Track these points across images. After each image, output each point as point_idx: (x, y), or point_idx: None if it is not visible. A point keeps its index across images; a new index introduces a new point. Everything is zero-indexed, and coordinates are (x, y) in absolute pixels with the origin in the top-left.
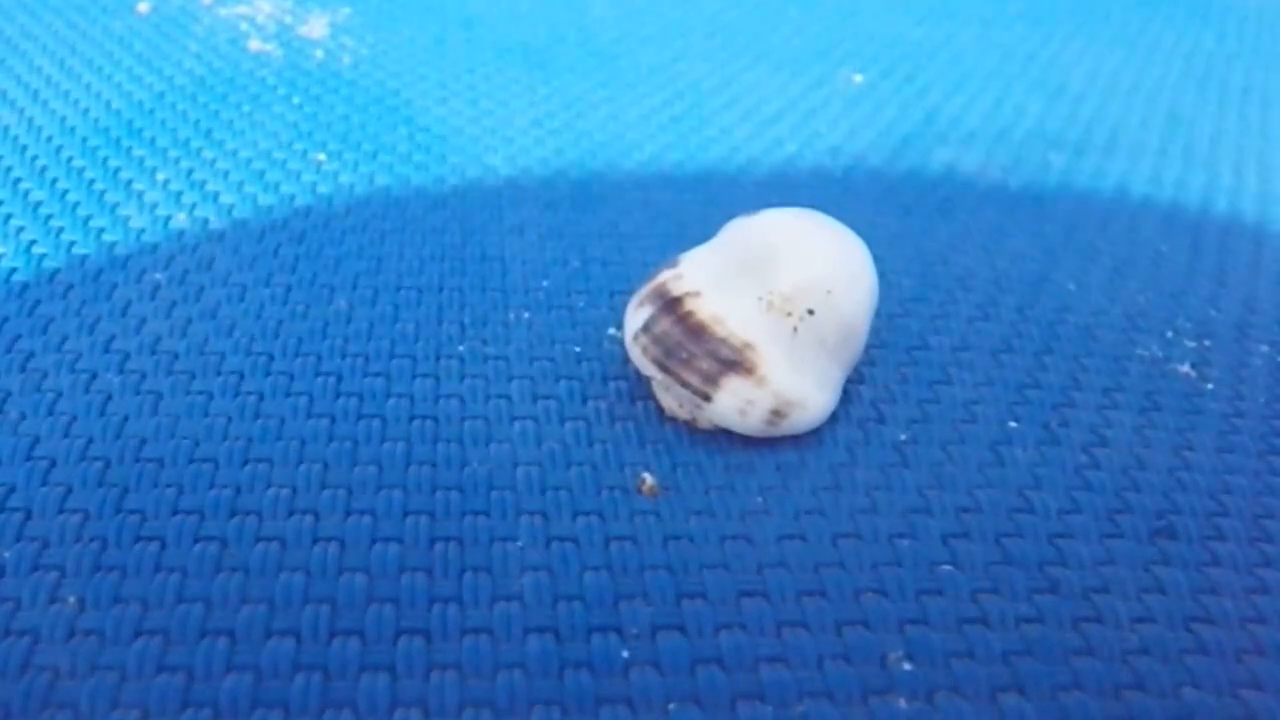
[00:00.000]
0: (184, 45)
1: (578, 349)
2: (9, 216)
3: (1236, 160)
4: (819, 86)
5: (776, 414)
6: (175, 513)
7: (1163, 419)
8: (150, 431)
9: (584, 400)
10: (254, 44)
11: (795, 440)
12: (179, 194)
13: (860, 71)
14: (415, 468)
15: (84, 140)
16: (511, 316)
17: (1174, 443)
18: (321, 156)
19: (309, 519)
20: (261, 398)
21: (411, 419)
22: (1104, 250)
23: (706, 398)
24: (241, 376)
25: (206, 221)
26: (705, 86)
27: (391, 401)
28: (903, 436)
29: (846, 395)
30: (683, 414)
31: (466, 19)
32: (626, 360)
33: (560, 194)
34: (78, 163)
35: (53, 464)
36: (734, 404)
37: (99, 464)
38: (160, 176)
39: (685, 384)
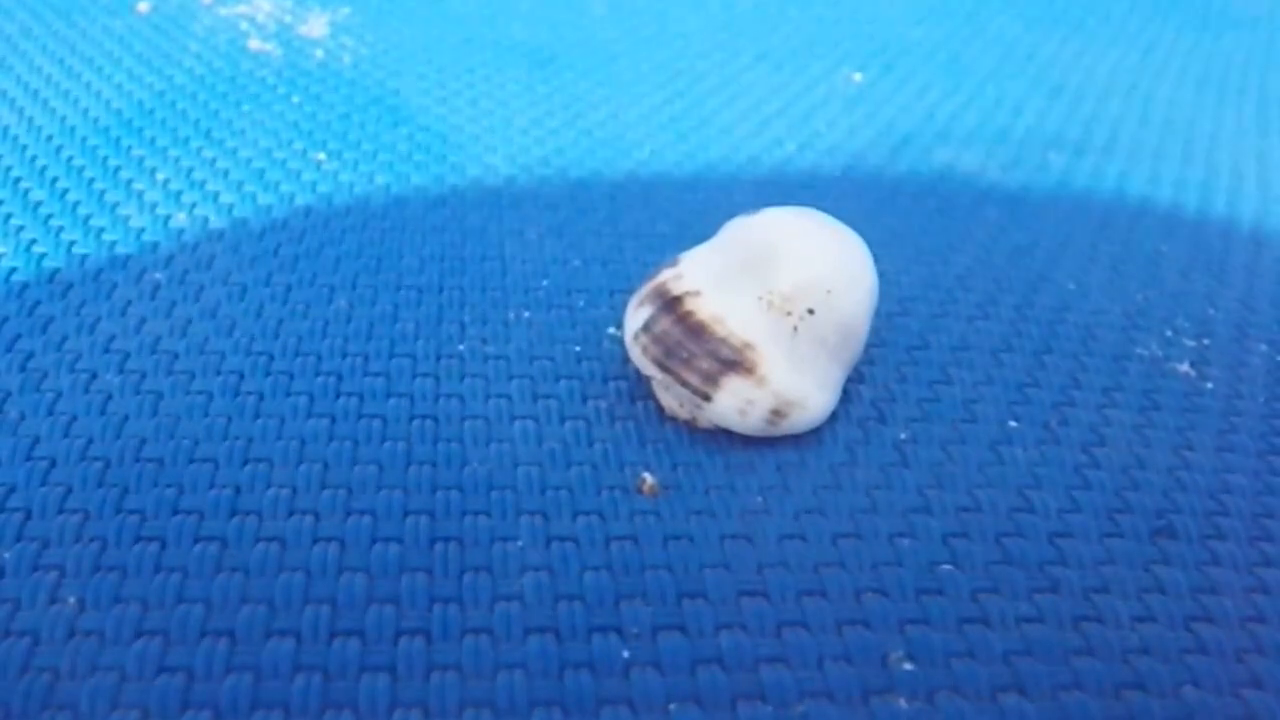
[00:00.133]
0: (184, 45)
1: (578, 348)
2: (9, 216)
3: (1235, 160)
4: (818, 85)
5: (776, 414)
6: (175, 513)
7: (1162, 418)
8: (150, 431)
9: (584, 400)
10: (254, 43)
11: (795, 440)
12: (179, 193)
13: (860, 70)
14: (415, 467)
15: (84, 140)
16: (511, 316)
17: (1174, 442)
18: (321, 156)
19: (309, 519)
20: (261, 397)
21: (412, 419)
22: (1103, 249)
23: (706, 397)
24: (241, 376)
25: (206, 221)
26: (705, 85)
27: (391, 401)
28: (903, 436)
29: (846, 395)
30: (683, 414)
31: (466, 18)
32: (626, 359)
33: (560, 193)
34: (77, 162)
35: (53, 464)
36: (734, 404)
37: (99, 464)
38: (160, 176)
39: (685, 384)
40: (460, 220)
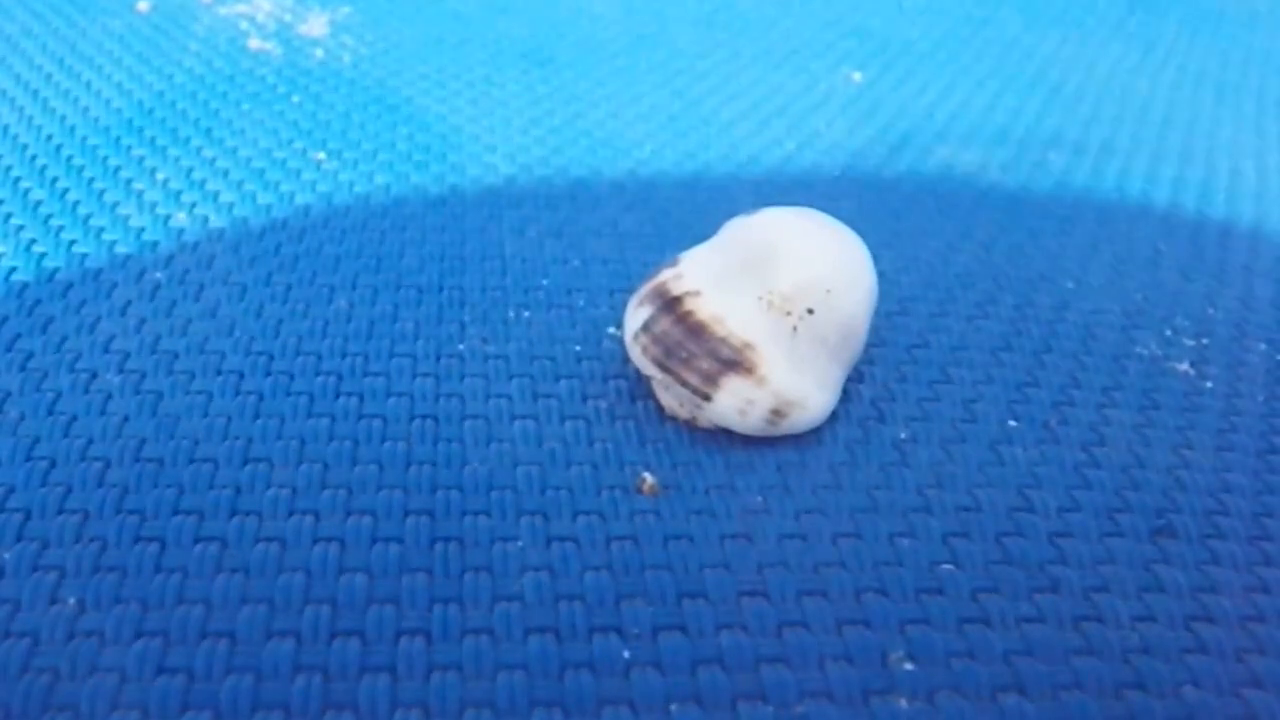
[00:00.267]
0: (184, 44)
1: (578, 348)
2: (9, 215)
3: (1233, 159)
4: (818, 85)
5: (776, 414)
6: (175, 513)
7: (1162, 417)
8: (150, 431)
9: (584, 399)
10: (254, 42)
11: (795, 439)
12: (179, 193)
13: (859, 70)
14: (415, 467)
15: (84, 139)
16: (511, 315)
17: (1173, 441)
18: (321, 155)
19: (309, 519)
20: (261, 397)
21: (412, 418)
22: (1103, 249)
23: (706, 397)
24: (241, 376)
25: (206, 220)
26: (704, 85)
27: (392, 401)
28: (903, 435)
29: (846, 394)
30: (683, 413)
31: (466, 17)
32: (626, 359)
33: (560, 192)
34: (77, 161)
35: (52, 464)
36: (734, 404)
37: (99, 464)
38: (160, 175)
39: (685, 383)
40: (460, 219)
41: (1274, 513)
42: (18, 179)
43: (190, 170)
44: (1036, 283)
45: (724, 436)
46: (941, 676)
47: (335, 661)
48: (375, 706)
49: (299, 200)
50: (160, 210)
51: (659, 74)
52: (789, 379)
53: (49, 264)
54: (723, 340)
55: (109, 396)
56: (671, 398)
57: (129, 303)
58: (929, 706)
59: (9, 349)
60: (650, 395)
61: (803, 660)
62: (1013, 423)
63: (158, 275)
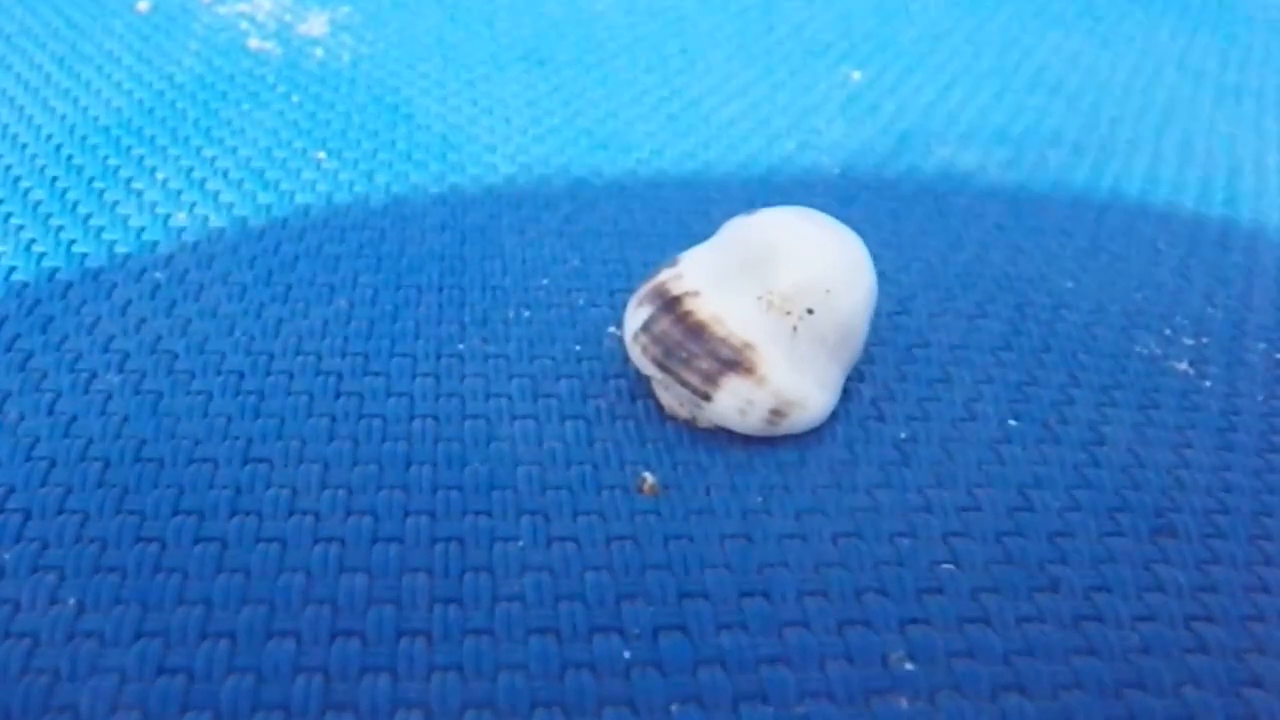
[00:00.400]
0: (184, 43)
1: (578, 347)
2: (8, 215)
3: (1232, 158)
4: (817, 84)
5: (776, 413)
6: (175, 513)
7: (1161, 417)
8: (150, 431)
9: (584, 399)
10: (254, 42)
11: (796, 439)
12: (178, 192)
13: (859, 69)
14: (416, 467)
15: (83, 138)
16: (511, 315)
17: (1173, 440)
18: (321, 154)
19: (309, 519)
20: (261, 397)
21: (412, 418)
22: (1102, 248)
23: (706, 397)
24: (241, 376)
25: (206, 220)
26: (703, 84)
27: (392, 401)
28: (903, 435)
29: (847, 394)
30: (683, 413)
31: (466, 17)
32: (626, 359)
33: (559, 192)
34: (77, 161)
35: (52, 464)
36: (734, 404)
37: (98, 464)
38: (160, 175)
39: (685, 383)
40: (460, 219)
41: (1274, 512)
42: (17, 178)
43: (190, 170)
44: (1036, 282)
45: (724, 436)
46: (942, 676)
47: (336, 662)
48: (376, 707)
49: (299, 200)
50: (160, 210)
51: (658, 73)
52: (789, 379)
53: (49, 264)
54: (722, 340)
55: (109, 396)
56: (671, 397)
57: (129, 302)
58: (930, 706)
59: (9, 349)
60: (650, 395)
61: (803, 660)
62: (1013, 422)
63: (157, 275)
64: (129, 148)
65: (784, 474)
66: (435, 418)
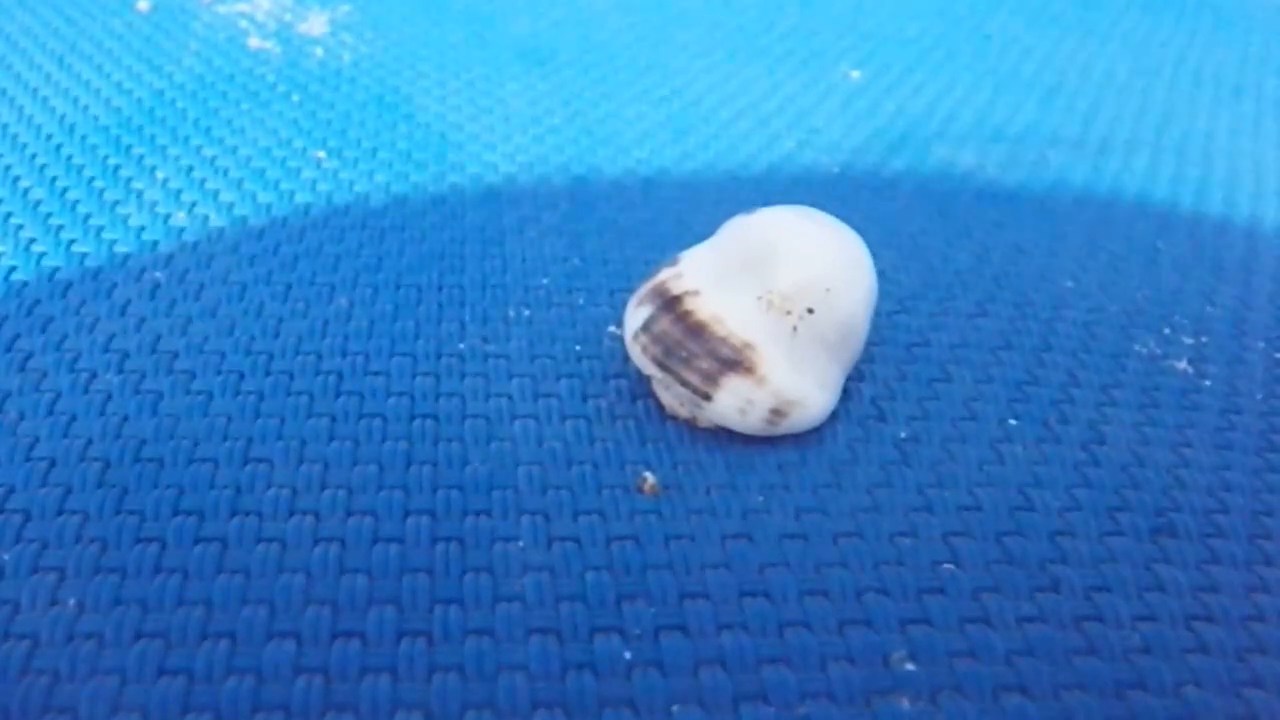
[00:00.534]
0: (183, 43)
1: (578, 347)
2: (8, 215)
3: (1230, 157)
4: (816, 83)
5: (777, 413)
6: (175, 514)
7: (1161, 416)
8: (150, 431)
9: (584, 399)
10: (254, 41)
11: (796, 438)
12: (178, 192)
13: (858, 68)
14: (416, 467)
15: (83, 138)
16: (511, 314)
17: (1172, 440)
18: (321, 154)
19: (310, 519)
20: (261, 397)
21: (412, 418)
22: (1101, 247)
23: (707, 397)
24: (241, 376)
25: (206, 219)
26: (703, 83)
27: (392, 400)
28: (903, 434)
29: (847, 393)
30: (683, 413)
31: (466, 16)
32: (626, 358)
33: (559, 191)
34: (77, 160)
35: (52, 464)
36: (734, 403)
37: (98, 464)
38: (159, 174)
39: (685, 383)
40: (460, 218)
41: (1274, 511)
42: (17, 178)
43: (190, 169)
44: (1035, 281)
45: (724, 436)
46: (943, 676)
47: (336, 663)
48: (376, 708)
49: (299, 199)
50: (160, 209)
51: (658, 73)
52: (789, 378)
53: (48, 263)
54: (723, 340)
55: (109, 396)
56: (672, 397)
57: (128, 302)
58: (931, 707)
59: (8, 349)
60: (651, 394)
61: (804, 660)
62: (1013, 421)
63: (157, 274)
64: (129, 147)
65: (784, 474)
66: (435, 417)
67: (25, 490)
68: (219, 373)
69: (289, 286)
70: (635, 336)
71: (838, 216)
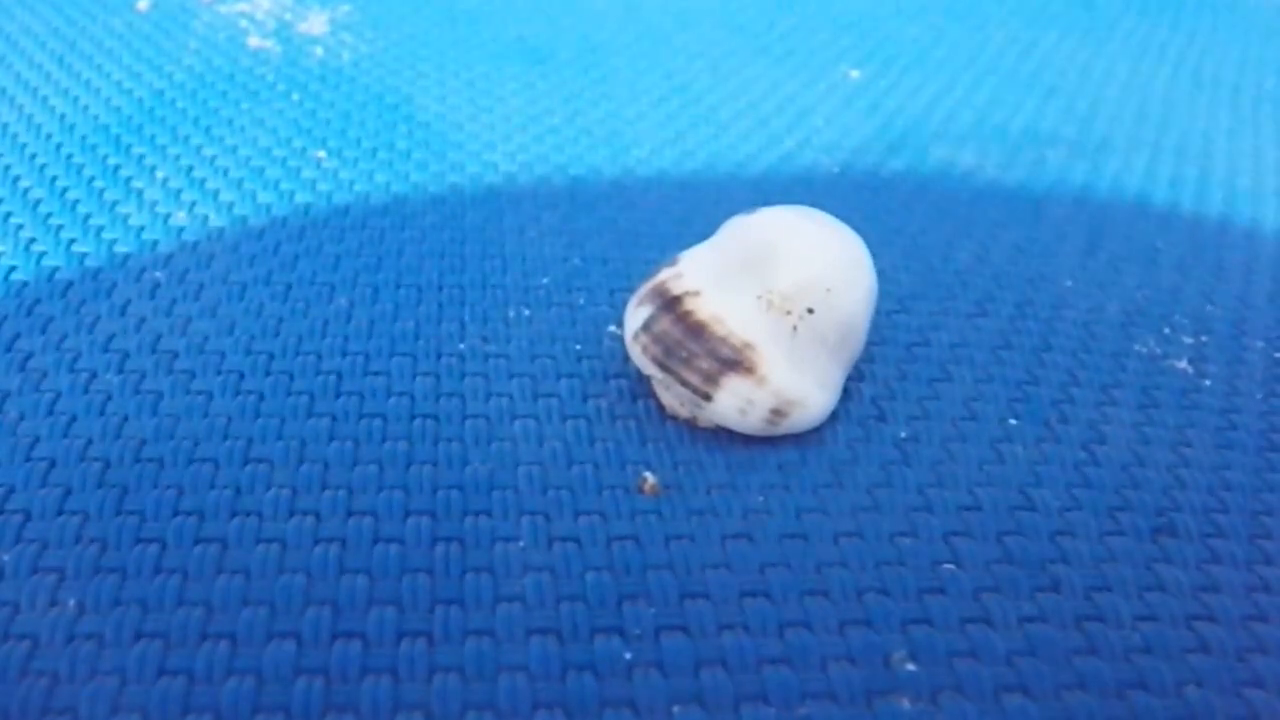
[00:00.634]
0: (183, 42)
1: (578, 347)
2: (8, 214)
3: (1230, 157)
4: (816, 83)
5: (777, 413)
6: (175, 514)
7: (1161, 415)
8: (150, 431)
9: (585, 399)
10: (253, 41)
11: (796, 438)
12: (178, 191)
13: (857, 67)
14: (416, 467)
15: (83, 138)
16: (512, 314)
17: (1172, 439)
18: (321, 154)
19: (310, 520)
20: (262, 397)
21: (412, 418)
22: (1100, 247)
23: (707, 397)
24: (241, 375)
25: (206, 219)
26: (702, 83)
27: (392, 400)
28: (903, 434)
29: (847, 393)
30: (683, 413)
31: (466, 16)
32: (627, 358)
33: (559, 191)
34: (77, 160)
35: (52, 465)
36: (734, 403)
37: (98, 464)
38: (159, 174)
39: (685, 383)
40: (460, 218)
41: (1274, 510)
42: (17, 178)
43: (190, 169)
44: (1035, 281)
45: (725, 436)
46: (944, 677)
47: (337, 664)
48: (377, 709)
49: (299, 199)
50: (160, 209)
51: (657, 72)
52: (789, 378)
53: (48, 263)
54: (723, 340)
55: (108, 396)
56: (672, 397)
57: (128, 302)
58: (932, 707)
59: (8, 349)
60: (651, 395)
61: (805, 661)
62: (1013, 421)
63: (157, 274)
64: (129, 147)
65: (785, 474)
66: (435, 417)
67: (25, 490)
68: (219, 373)
69: (289, 286)
70: (635, 336)
71: (838, 216)
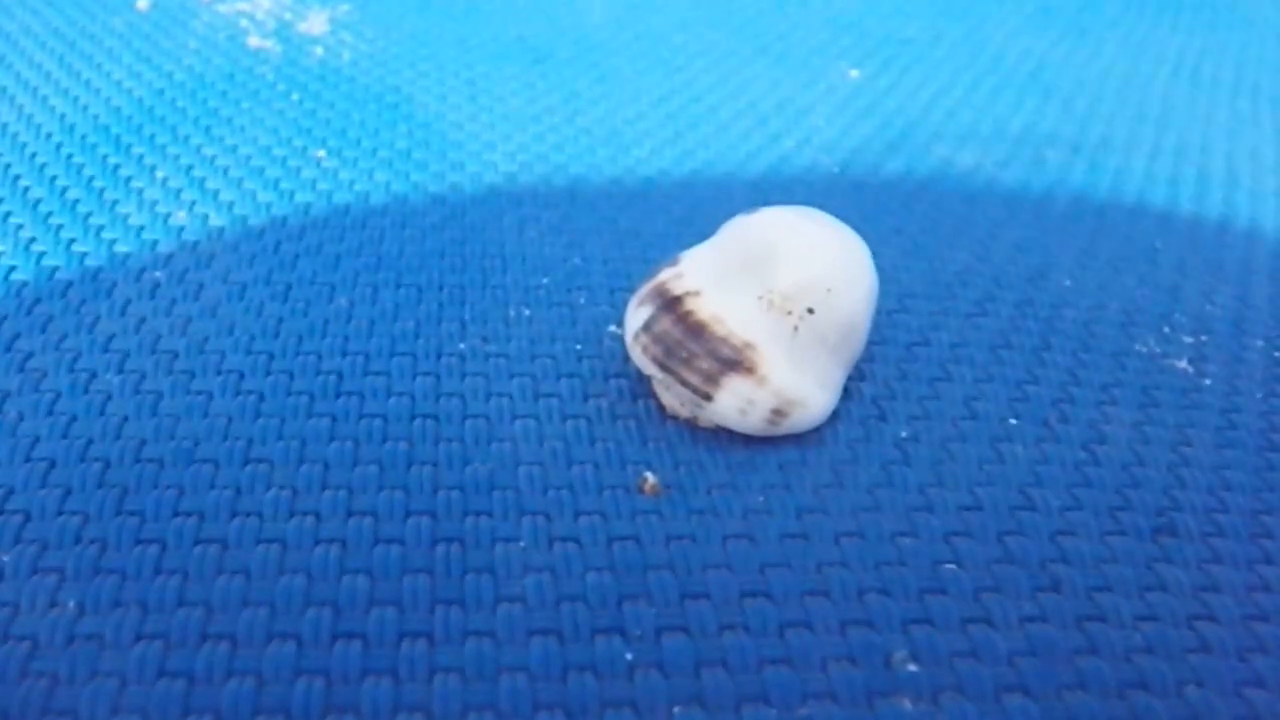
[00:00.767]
0: (183, 42)
1: (578, 346)
2: (8, 214)
3: (1229, 156)
4: (815, 82)
5: (778, 413)
6: (175, 514)
7: (1161, 415)
8: (150, 432)
9: (585, 399)
10: (253, 40)
11: (797, 438)
12: (178, 191)
13: (856, 67)
14: (417, 468)
15: (83, 137)
16: (512, 314)
17: (1173, 439)
18: (321, 153)
19: (310, 520)
20: (262, 397)
21: (413, 418)
22: (1100, 246)
23: (707, 397)
24: (241, 375)
25: (206, 219)
26: (702, 82)
27: (392, 400)
28: (904, 434)
29: (847, 392)
30: (684, 413)
31: (466, 15)
32: (627, 358)
33: (559, 190)
34: (77, 160)
35: (52, 465)
36: (735, 403)
37: (98, 465)
38: (159, 174)
39: (686, 383)
40: (460, 217)
41: (1274, 510)
42: (17, 177)
43: (190, 168)
44: (1035, 280)
45: (725, 436)
46: (945, 677)
47: (337, 665)
48: (377, 710)
49: (299, 198)
50: (160, 209)
51: (657, 72)
52: (790, 378)
53: (48, 263)
54: (723, 340)
55: (108, 397)
56: (672, 397)
57: (128, 302)
58: (933, 707)
59: (8, 349)
60: (651, 395)
61: (806, 661)
62: (1013, 421)
63: (157, 274)
64: (128, 146)
65: (785, 474)
66: (436, 417)
67: (25, 491)
68: (219, 373)
69: (289, 286)
70: (636, 337)
71: (838, 216)
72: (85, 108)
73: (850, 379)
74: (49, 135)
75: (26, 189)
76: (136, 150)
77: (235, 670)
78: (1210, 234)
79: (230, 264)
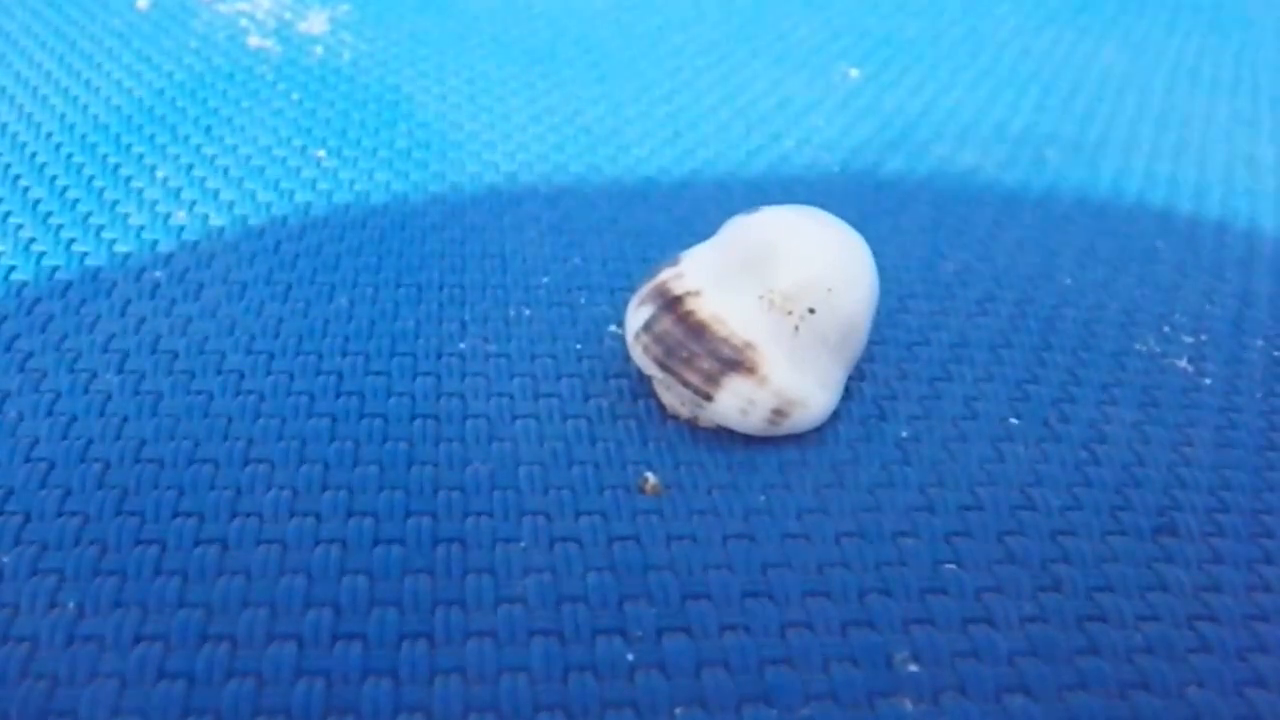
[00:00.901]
0: (183, 41)
1: (579, 346)
2: (8, 214)
3: (1228, 155)
4: (815, 82)
5: (778, 413)
6: (175, 515)
7: (1161, 414)
8: (150, 432)
9: (585, 398)
10: (253, 40)
11: (797, 438)
12: (178, 191)
13: (856, 67)
14: (417, 468)
15: (83, 137)
16: (512, 313)
17: (1173, 438)
18: (321, 153)
19: (310, 521)
20: (262, 397)
21: (413, 418)
22: (1100, 246)
23: (708, 397)
24: (242, 375)
25: (206, 219)
26: (702, 82)
27: (393, 400)
28: (904, 434)
29: (848, 392)
30: (684, 413)
31: (466, 15)
32: (627, 358)
33: (559, 190)
34: (77, 159)
35: (52, 466)
36: (735, 403)
37: (98, 465)
38: (159, 173)
39: (686, 383)
40: (460, 217)
41: (1274, 509)
42: (17, 177)
43: (190, 168)
44: (1035, 280)
45: (726, 436)
46: (946, 677)
47: (337, 665)
48: (378, 711)
49: (299, 198)
50: (160, 208)
51: (657, 72)
52: (790, 378)
53: (48, 262)
54: (724, 340)
55: (108, 397)
56: (673, 397)
57: (128, 301)
58: (934, 708)
59: (8, 348)
60: (652, 394)
61: (807, 662)
62: (1014, 420)
63: (157, 274)
64: (128, 146)
65: (786, 474)
66: (436, 418)
67: (25, 492)
68: (219, 373)
69: (289, 286)
70: (636, 336)
71: (838, 215)
72: (85, 108)
73: (851, 379)
74: (49, 135)
75: (26, 189)
76: (136, 150)
77: (235, 671)
78: (1210, 234)
79: (230, 264)
